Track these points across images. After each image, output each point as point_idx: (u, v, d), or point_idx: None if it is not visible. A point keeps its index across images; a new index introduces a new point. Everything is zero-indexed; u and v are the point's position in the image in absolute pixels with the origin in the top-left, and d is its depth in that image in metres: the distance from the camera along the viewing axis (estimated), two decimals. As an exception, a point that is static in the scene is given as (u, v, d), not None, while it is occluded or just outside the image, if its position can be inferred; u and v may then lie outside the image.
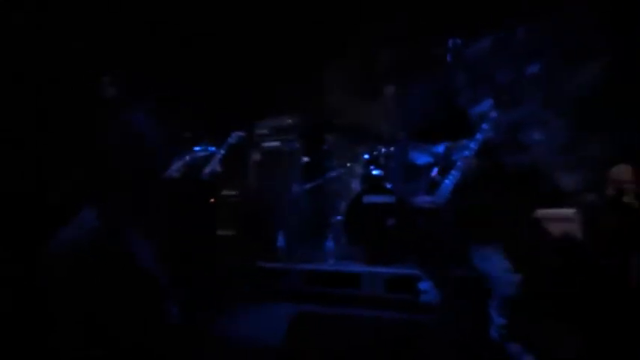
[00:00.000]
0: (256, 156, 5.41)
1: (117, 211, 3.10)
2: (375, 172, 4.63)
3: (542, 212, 3.50)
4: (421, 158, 3.00)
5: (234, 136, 4.22)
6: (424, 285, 3.02)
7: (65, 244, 2.96)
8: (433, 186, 2.80)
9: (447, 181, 2.75)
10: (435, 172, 2.82)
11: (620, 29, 3.95)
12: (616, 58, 4.00)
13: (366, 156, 4.75)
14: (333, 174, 5.11)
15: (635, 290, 2.73)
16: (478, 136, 2.70)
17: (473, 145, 2.70)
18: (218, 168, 4.13)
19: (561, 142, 4.19)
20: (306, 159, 5.28)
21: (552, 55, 4.32)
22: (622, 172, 3.17)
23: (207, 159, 4.09)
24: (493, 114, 2.72)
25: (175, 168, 3.78)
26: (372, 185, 4.52)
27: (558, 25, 4.28)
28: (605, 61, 4.07)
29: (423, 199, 2.80)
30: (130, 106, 3.25)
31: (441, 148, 2.90)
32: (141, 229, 3.18)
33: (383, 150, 4.63)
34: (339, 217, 4.79)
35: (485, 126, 2.70)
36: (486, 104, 4.16)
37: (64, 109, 3.42)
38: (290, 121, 5.31)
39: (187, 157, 3.86)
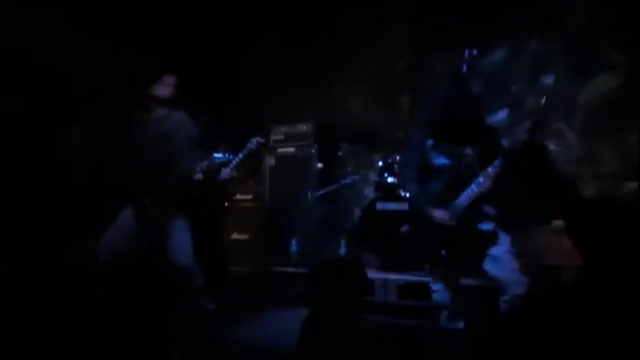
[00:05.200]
0: (271, 161, 5.46)
1: (157, 212, 3.02)
2: (389, 180, 4.66)
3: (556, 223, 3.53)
4: (438, 159, 3.00)
5: (254, 142, 4.26)
6: (435, 285, 3.03)
7: (106, 246, 2.91)
8: (449, 195, 2.81)
9: (464, 195, 2.75)
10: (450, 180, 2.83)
11: (634, 41, 3.96)
12: (630, 70, 4.01)
13: (381, 163, 4.79)
14: (348, 181, 5.15)
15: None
16: (506, 153, 2.65)
17: (498, 162, 2.67)
18: (232, 173, 4.18)
19: (577, 153, 4.20)
20: (320, 165, 5.32)
21: (565, 66, 4.33)
22: None
23: (223, 165, 4.14)
24: (523, 135, 2.62)
25: (197, 172, 3.83)
26: (386, 192, 4.55)
27: (571, 36, 4.29)
28: (618, 73, 4.08)
29: (437, 213, 2.82)
30: (171, 107, 3.20)
31: (465, 151, 2.88)
32: (181, 228, 3.10)
33: (397, 158, 4.67)
34: (352, 224, 4.83)
35: (515, 144, 2.63)
36: (502, 114, 4.17)
37: (99, 109, 3.40)
38: (305, 127, 5.36)
39: (205, 163, 3.92)
